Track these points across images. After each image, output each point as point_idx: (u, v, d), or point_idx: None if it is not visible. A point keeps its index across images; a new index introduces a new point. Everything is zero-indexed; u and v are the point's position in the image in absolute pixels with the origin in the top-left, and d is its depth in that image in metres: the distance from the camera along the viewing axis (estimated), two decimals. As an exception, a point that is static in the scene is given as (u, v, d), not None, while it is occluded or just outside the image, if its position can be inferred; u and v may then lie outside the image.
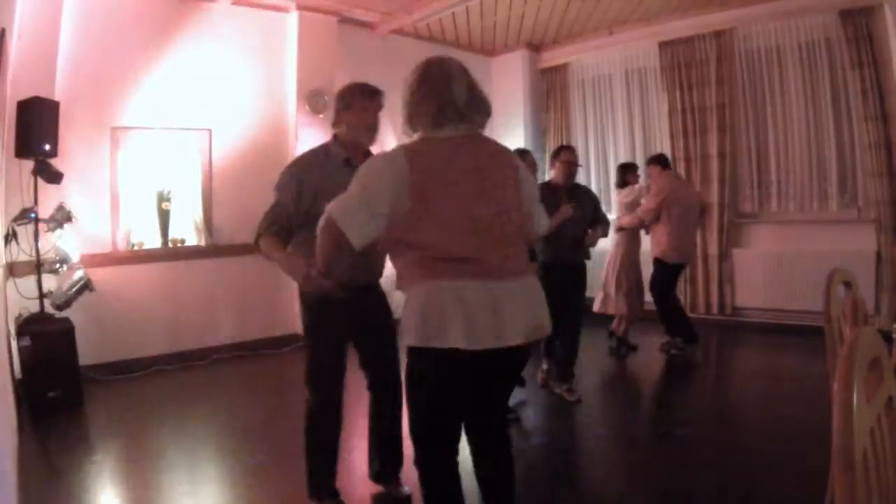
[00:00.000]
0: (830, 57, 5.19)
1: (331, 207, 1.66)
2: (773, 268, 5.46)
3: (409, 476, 2.52)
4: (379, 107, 2.29)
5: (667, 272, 4.79)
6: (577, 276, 3.82)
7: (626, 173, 5.09)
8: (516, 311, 1.62)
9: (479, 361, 1.60)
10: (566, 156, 3.82)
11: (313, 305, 2.25)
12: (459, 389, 1.71)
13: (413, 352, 1.66)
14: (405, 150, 1.68)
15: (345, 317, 2.24)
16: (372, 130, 2.29)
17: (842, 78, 5.12)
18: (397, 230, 1.65)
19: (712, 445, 3.03)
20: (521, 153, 3.81)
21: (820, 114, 5.28)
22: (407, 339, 1.65)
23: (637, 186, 5.06)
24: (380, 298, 2.44)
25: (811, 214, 5.39)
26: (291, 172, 2.24)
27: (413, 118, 1.76)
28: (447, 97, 1.71)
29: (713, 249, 5.75)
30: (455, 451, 1.77)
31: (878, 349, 0.88)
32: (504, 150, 1.83)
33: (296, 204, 2.17)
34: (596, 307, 4.99)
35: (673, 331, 4.85)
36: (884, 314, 4.81)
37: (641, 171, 5.20)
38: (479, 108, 1.77)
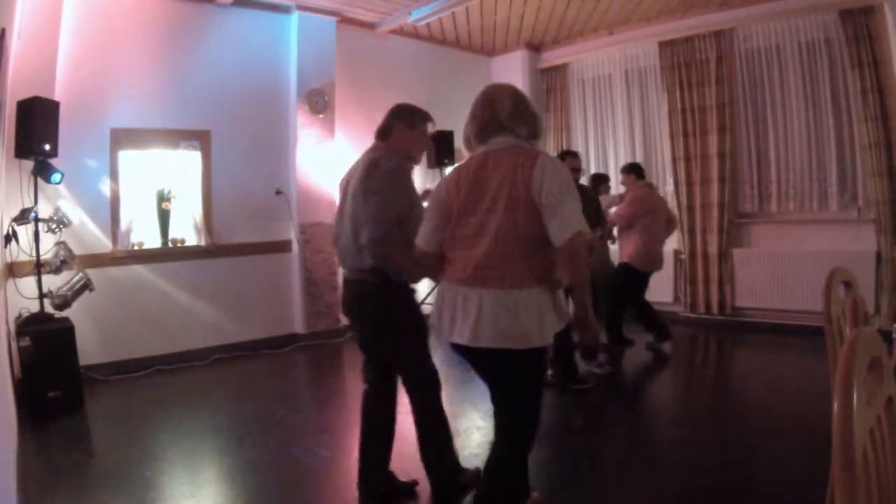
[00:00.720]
0: (830, 57, 5.19)
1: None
2: (773, 268, 5.46)
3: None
4: (429, 130, 2.47)
5: (635, 277, 4.78)
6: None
7: (598, 184, 5.10)
8: (466, 316, 1.79)
9: (459, 351, 1.88)
10: (570, 162, 3.88)
11: (412, 304, 2.46)
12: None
13: None
14: (453, 170, 2.01)
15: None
16: (425, 151, 2.52)
17: (842, 78, 5.12)
18: None
19: (712, 445, 3.03)
20: (565, 155, 3.98)
21: (820, 114, 5.28)
22: None
23: (612, 194, 5.07)
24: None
25: (811, 214, 5.39)
26: (408, 179, 2.39)
27: (465, 139, 2.01)
28: (489, 114, 1.90)
29: (713, 249, 5.76)
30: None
31: (878, 349, 0.87)
32: (517, 155, 1.82)
33: (409, 207, 2.32)
34: None
35: (615, 337, 4.85)
36: (884, 314, 4.81)
37: (614, 182, 5.25)
38: (521, 119, 1.91)
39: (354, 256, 2.36)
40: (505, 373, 1.85)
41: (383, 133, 2.42)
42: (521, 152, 1.84)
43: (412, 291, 2.43)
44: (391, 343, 2.43)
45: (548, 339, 1.80)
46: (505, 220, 1.76)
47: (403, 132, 2.40)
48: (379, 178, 2.28)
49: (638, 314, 4.90)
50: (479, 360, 1.88)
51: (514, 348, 1.74)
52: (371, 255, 2.25)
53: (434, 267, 2.01)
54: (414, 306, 2.45)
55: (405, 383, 2.45)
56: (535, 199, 1.73)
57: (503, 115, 1.89)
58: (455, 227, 1.89)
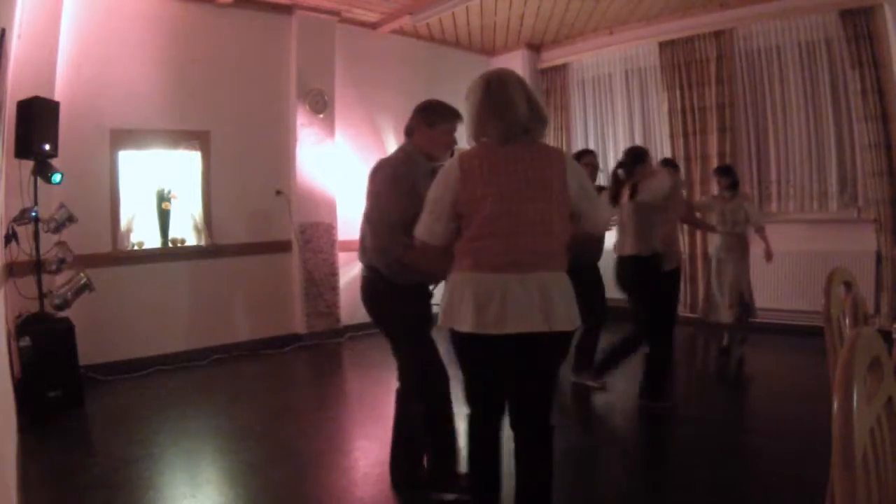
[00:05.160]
0: (830, 57, 5.19)
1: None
2: (773, 268, 5.44)
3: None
4: (456, 129, 2.38)
5: None
6: (594, 275, 3.97)
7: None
8: (529, 301, 1.82)
9: (489, 343, 1.89)
10: (588, 159, 3.98)
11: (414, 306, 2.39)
12: None
13: None
14: (459, 159, 1.92)
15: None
16: (449, 149, 2.40)
17: (842, 78, 5.12)
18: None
19: (712, 445, 3.03)
20: (581, 154, 4.07)
21: (820, 114, 5.28)
22: None
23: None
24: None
25: (811, 214, 5.39)
26: (406, 181, 2.23)
27: (480, 137, 1.94)
28: (512, 118, 1.87)
29: (713, 250, 5.74)
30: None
31: (878, 349, 0.87)
32: (548, 152, 1.93)
33: (414, 208, 2.08)
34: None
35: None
36: (884, 314, 4.81)
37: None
38: (538, 119, 1.93)
39: (363, 252, 2.42)
40: (555, 356, 1.92)
41: (408, 130, 2.41)
42: (548, 151, 1.94)
43: (419, 293, 2.36)
44: (392, 342, 2.46)
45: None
46: (557, 210, 1.86)
47: (423, 130, 2.35)
48: (379, 183, 2.31)
49: None
50: (526, 347, 1.82)
51: (572, 329, 1.88)
52: (376, 263, 2.30)
53: (441, 259, 1.97)
54: (417, 308, 2.37)
55: (400, 382, 2.48)
56: (568, 194, 1.88)
57: (524, 119, 1.88)
58: (492, 217, 1.83)
